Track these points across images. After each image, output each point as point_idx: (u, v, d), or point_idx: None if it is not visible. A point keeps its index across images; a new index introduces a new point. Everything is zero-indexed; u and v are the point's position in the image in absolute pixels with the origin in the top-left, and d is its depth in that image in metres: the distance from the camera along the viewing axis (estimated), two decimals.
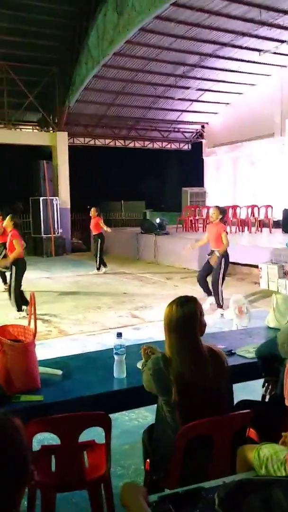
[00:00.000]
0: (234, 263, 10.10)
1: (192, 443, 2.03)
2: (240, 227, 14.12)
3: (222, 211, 7.51)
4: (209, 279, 7.31)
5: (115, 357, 2.60)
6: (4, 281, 9.02)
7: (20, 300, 7.00)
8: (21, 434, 1.07)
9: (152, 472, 2.23)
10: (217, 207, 7.58)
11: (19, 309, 6.97)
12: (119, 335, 2.67)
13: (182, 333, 2.11)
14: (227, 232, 7.36)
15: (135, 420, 3.70)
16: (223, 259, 7.11)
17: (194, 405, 2.05)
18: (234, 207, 14.53)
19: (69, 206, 16.27)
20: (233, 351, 2.96)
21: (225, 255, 7.16)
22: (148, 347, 2.64)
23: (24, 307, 6.99)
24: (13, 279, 7.00)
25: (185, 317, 2.11)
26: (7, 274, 8.13)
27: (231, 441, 2.13)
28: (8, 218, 7.43)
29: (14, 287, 6.96)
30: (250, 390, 3.10)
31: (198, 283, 7.60)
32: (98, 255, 11.17)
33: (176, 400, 2.04)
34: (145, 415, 3.74)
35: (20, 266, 7.03)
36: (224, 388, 2.19)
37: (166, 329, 2.15)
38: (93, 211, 11.39)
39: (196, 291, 7.77)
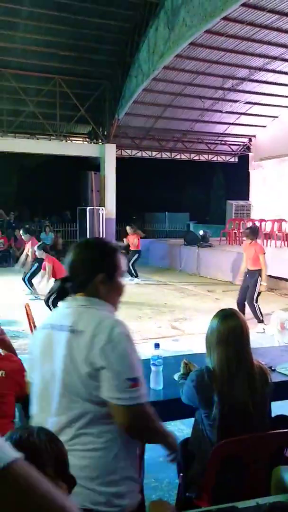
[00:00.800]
0: (278, 278, 9.90)
1: (228, 460, 2.01)
2: (285, 242, 13.83)
3: (254, 232, 7.49)
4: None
5: (152, 367, 2.61)
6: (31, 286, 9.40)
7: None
8: (57, 444, 1.12)
9: (185, 488, 2.22)
10: (249, 231, 7.56)
11: None
12: (157, 345, 2.68)
13: (228, 346, 2.09)
14: (264, 253, 7.22)
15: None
16: (259, 279, 7.08)
17: (236, 421, 2.03)
18: (280, 221, 14.27)
19: (114, 216, 16.50)
20: (273, 368, 2.91)
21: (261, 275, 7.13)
22: (190, 363, 2.63)
23: None
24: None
25: (231, 330, 2.10)
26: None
27: (268, 460, 2.09)
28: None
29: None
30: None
31: (237, 306, 7.46)
32: (131, 267, 11.39)
33: (218, 414, 2.03)
34: (181, 428, 3.71)
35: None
36: (267, 406, 2.16)
37: (211, 342, 2.14)
38: (128, 230, 11.58)
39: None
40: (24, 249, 10.29)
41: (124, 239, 11.93)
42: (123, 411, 1.47)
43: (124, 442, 1.54)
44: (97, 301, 1.61)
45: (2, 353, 2.28)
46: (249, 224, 15.28)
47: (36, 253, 8.41)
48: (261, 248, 7.29)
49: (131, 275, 11.45)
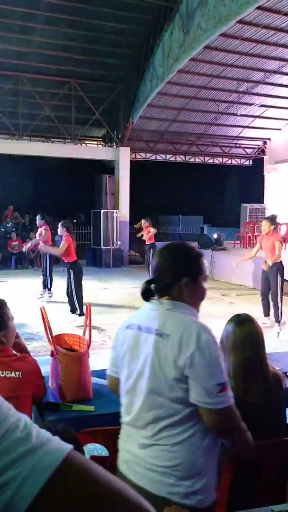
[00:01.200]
0: None
1: (242, 466, 2.00)
2: None
3: (273, 220, 7.26)
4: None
5: None
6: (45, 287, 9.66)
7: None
8: (80, 446, 1.12)
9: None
10: (267, 218, 7.39)
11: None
12: None
13: (244, 352, 2.09)
14: (281, 242, 7.16)
15: None
16: (278, 272, 6.92)
17: (251, 428, 2.03)
18: None
19: (128, 219, 16.54)
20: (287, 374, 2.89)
21: (281, 267, 6.97)
22: None
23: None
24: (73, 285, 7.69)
25: (247, 335, 2.10)
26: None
27: (283, 467, 2.08)
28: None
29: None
30: None
31: (261, 300, 7.42)
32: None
33: None
34: None
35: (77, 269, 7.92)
36: (282, 412, 2.15)
37: (226, 347, 2.14)
38: (144, 222, 11.67)
39: (251, 309, 7.63)
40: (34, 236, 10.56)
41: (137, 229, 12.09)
42: (213, 414, 1.57)
43: (206, 440, 1.62)
44: (182, 305, 1.68)
45: (18, 354, 2.30)
46: None
47: (59, 230, 8.27)
48: (278, 236, 7.23)
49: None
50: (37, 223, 10.33)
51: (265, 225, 7.16)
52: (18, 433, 0.57)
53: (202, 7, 10.60)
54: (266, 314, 7.27)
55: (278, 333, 6.76)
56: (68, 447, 0.58)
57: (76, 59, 14.02)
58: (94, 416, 2.33)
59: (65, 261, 8.08)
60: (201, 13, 10.68)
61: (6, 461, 0.55)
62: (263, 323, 7.00)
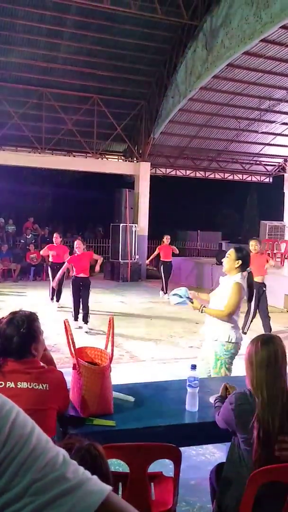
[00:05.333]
0: None
1: (266, 487, 1.96)
2: None
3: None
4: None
5: (189, 389, 2.59)
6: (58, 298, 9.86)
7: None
8: (106, 461, 1.10)
9: None
10: (256, 239, 8.17)
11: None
12: (193, 367, 2.66)
13: (268, 371, 2.07)
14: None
15: (202, 456, 3.63)
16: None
17: (274, 448, 1.99)
18: None
19: (146, 234, 16.58)
20: None
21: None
22: (231, 386, 2.58)
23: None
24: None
25: (271, 355, 2.08)
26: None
27: None
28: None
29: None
30: None
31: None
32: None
33: (256, 439, 1.99)
34: (212, 451, 3.65)
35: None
36: None
37: (250, 366, 2.12)
38: (166, 240, 11.87)
39: (272, 327, 7.57)
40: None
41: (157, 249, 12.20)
42: None
43: None
44: None
45: (46, 367, 2.31)
46: (283, 246, 15.12)
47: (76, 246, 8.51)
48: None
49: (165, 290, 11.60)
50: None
51: (255, 248, 7.71)
52: (57, 469, 0.56)
53: (226, 25, 10.71)
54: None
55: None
56: (107, 488, 0.57)
57: (100, 75, 14.26)
58: (115, 431, 2.32)
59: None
60: (224, 31, 10.79)
61: (44, 499, 0.54)
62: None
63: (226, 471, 2.21)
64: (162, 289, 11.92)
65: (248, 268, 3.90)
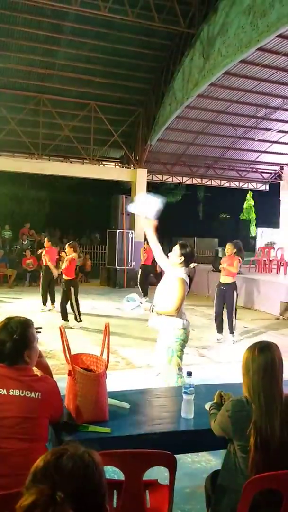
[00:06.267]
0: None
1: (262, 495, 1.95)
2: None
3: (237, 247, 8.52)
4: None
5: (184, 396, 2.58)
6: (52, 301, 10.17)
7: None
8: (100, 470, 1.09)
9: None
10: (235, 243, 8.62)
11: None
12: (189, 374, 2.65)
13: (265, 378, 2.06)
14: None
15: (198, 463, 3.61)
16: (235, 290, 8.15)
17: (271, 455, 1.98)
18: None
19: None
20: None
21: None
22: (225, 394, 2.57)
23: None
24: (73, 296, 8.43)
25: (268, 362, 2.07)
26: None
27: None
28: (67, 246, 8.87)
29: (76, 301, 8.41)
30: None
31: (215, 320, 8.29)
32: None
33: (253, 446, 1.99)
34: (208, 459, 3.64)
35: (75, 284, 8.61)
36: None
37: (247, 373, 2.12)
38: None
39: (268, 335, 7.56)
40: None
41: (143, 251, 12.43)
42: None
43: None
44: None
45: (39, 374, 2.29)
46: (279, 252, 15.15)
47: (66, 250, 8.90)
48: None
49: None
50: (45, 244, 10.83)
51: (231, 250, 8.30)
52: None
53: (223, 34, 10.80)
54: (220, 331, 8.19)
55: (219, 340, 7.96)
56: None
57: (97, 81, 14.33)
58: (110, 438, 2.30)
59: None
60: (221, 40, 10.88)
61: None
62: (218, 339, 8.05)
63: (221, 478, 2.19)
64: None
65: (192, 264, 4.15)
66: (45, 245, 10.74)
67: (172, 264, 4.03)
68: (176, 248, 3.99)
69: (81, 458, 1.07)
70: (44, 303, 10.29)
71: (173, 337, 3.88)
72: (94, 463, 1.09)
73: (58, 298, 9.43)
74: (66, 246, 8.92)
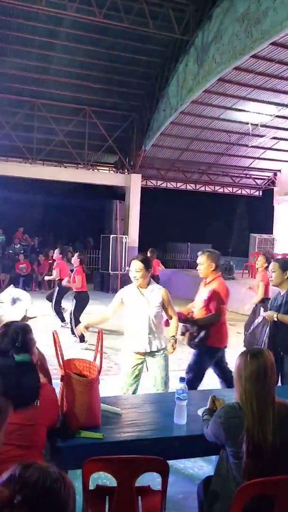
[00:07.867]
0: None
1: (254, 501, 1.95)
2: None
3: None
4: None
5: (177, 402, 2.58)
6: (63, 319, 9.25)
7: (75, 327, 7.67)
8: (70, 492, 1.10)
9: None
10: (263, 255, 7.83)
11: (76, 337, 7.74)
12: (182, 379, 2.65)
13: (257, 385, 2.06)
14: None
15: (191, 469, 3.59)
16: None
17: (263, 461, 1.98)
18: None
19: (137, 245, 16.59)
20: None
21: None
22: (218, 399, 2.57)
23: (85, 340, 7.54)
24: (72, 309, 7.90)
25: (260, 368, 2.08)
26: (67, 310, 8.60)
27: None
28: (75, 255, 8.31)
29: (73, 316, 7.85)
30: None
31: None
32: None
33: (246, 452, 1.98)
34: (201, 465, 3.63)
35: (81, 298, 8.02)
36: None
37: (239, 380, 2.12)
38: (151, 254, 11.38)
39: None
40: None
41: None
42: None
43: None
44: None
45: (41, 380, 2.30)
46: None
47: (73, 260, 8.37)
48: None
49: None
50: (54, 255, 10.00)
51: (259, 260, 7.71)
52: None
53: (217, 41, 10.87)
54: None
55: None
56: None
57: (92, 87, 14.36)
58: (103, 443, 2.29)
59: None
60: (216, 46, 10.95)
61: None
62: None
63: (214, 484, 2.19)
64: None
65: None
66: (55, 256, 9.81)
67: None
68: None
69: (48, 473, 1.10)
70: (63, 319, 9.36)
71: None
72: (64, 483, 1.11)
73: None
74: (75, 256, 8.32)
